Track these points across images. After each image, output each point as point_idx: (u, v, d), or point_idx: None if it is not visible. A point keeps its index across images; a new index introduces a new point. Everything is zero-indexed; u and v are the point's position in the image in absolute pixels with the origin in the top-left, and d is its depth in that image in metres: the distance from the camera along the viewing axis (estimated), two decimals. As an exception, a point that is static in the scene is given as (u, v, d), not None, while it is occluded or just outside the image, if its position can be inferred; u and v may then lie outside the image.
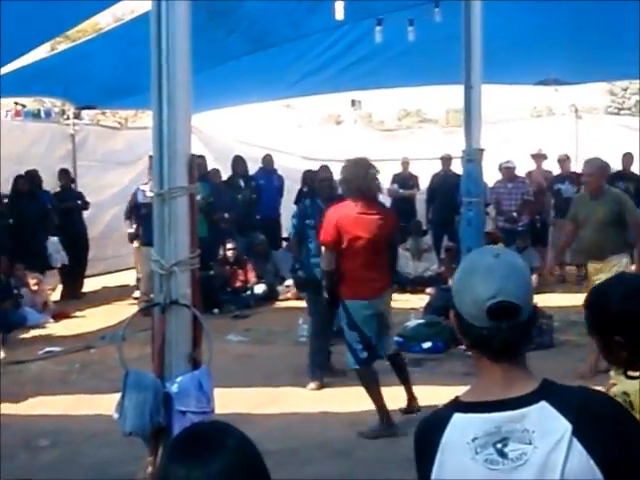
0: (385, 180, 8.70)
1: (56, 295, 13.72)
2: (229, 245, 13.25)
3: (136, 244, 13.42)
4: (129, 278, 14.65)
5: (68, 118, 15.54)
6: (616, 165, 12.71)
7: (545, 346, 9.15)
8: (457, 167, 13.03)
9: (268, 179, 15.03)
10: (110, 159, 16.18)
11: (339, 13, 9.25)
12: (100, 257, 15.53)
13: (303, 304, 9.38)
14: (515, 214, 13.58)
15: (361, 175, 7.02)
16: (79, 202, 14.18)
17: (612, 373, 5.32)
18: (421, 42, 10.20)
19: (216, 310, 12.00)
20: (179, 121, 3.63)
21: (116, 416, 3.60)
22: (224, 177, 14.52)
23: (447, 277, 12.24)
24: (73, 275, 14.07)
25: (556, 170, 14.77)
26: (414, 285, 13.29)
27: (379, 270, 7.00)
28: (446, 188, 14.15)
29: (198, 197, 3.84)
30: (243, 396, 7.78)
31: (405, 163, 16.16)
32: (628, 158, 13.82)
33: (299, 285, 9.63)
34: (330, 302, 7.35)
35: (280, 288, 13.52)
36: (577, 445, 1.94)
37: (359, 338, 6.91)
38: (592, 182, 8.34)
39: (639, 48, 10.52)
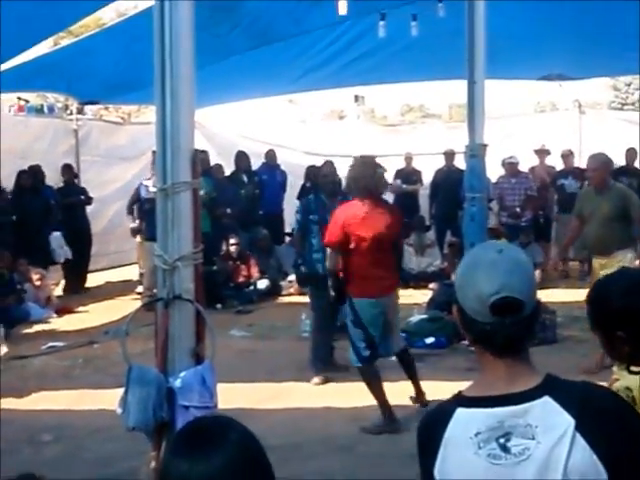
0: (388, 175, 8.70)
1: (59, 290, 13.73)
2: (232, 240, 13.26)
3: (139, 239, 13.42)
4: (132, 273, 14.67)
5: (71, 113, 15.56)
6: (619, 160, 12.69)
7: (548, 342, 9.16)
8: (460, 162, 13.03)
9: (271, 174, 15.03)
10: (113, 154, 16.18)
11: (342, 8, 9.24)
12: (103, 252, 15.55)
13: (306, 299, 9.39)
14: (518, 209, 13.56)
15: (369, 174, 7.06)
16: (82, 197, 14.19)
17: (615, 368, 5.33)
18: (424, 37, 10.17)
19: (219, 305, 12.02)
20: (182, 116, 3.63)
21: (119, 411, 3.60)
22: (227, 172, 14.53)
23: (450, 272, 12.23)
24: (76, 270, 14.08)
25: (559, 165, 14.75)
26: (417, 280, 13.29)
27: (387, 269, 7.03)
28: (449, 183, 14.14)
29: (201, 192, 3.84)
30: (246, 391, 7.79)
31: (408, 158, 16.15)
32: (631, 153, 13.80)
33: (301, 280, 9.64)
34: (336, 300, 7.36)
35: (283, 283, 13.53)
36: (580, 440, 1.94)
37: (363, 336, 6.92)
38: (596, 177, 8.34)
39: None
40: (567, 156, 14.47)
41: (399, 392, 7.24)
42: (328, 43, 11.88)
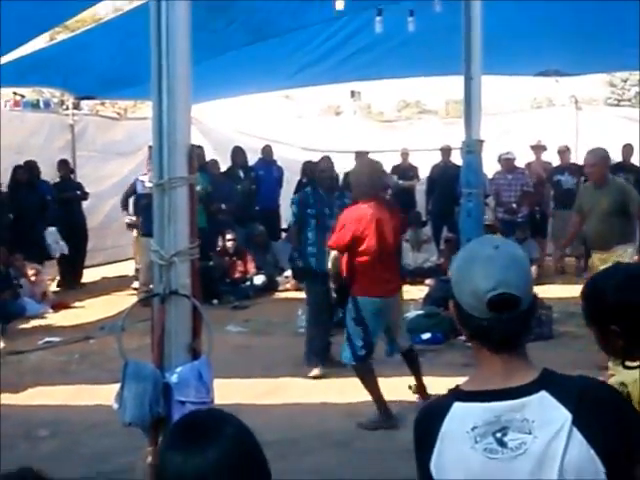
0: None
1: (54, 285, 13.72)
2: (228, 236, 13.26)
3: (135, 234, 13.40)
4: (128, 269, 14.65)
5: (67, 108, 15.53)
6: (616, 156, 12.71)
7: (544, 337, 9.17)
8: (457, 158, 13.04)
9: (267, 170, 15.02)
10: (109, 149, 16.17)
11: (339, 4, 9.24)
12: (99, 247, 15.54)
13: (302, 295, 9.40)
14: (514, 205, 13.57)
15: (372, 178, 7.08)
16: (78, 193, 14.18)
17: (611, 364, 5.34)
18: (421, 33, 10.17)
19: (215, 301, 12.01)
20: (179, 111, 3.62)
21: (116, 406, 3.60)
22: (223, 168, 14.52)
23: (446, 268, 12.23)
24: (72, 265, 14.07)
25: (556, 161, 14.76)
26: (413, 276, 13.27)
27: (391, 271, 7.10)
28: (446, 179, 14.16)
29: (197, 188, 3.84)
30: (242, 387, 7.80)
31: (405, 154, 16.16)
32: (628, 149, 13.83)
33: (297, 274, 9.63)
34: (338, 302, 7.38)
35: (279, 279, 13.53)
36: (577, 435, 1.95)
37: (362, 335, 6.93)
38: (595, 172, 8.36)
39: (639, 39, 10.51)
40: (563, 152, 14.48)
41: (394, 388, 7.26)
42: (325, 38, 11.87)
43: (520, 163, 14.33)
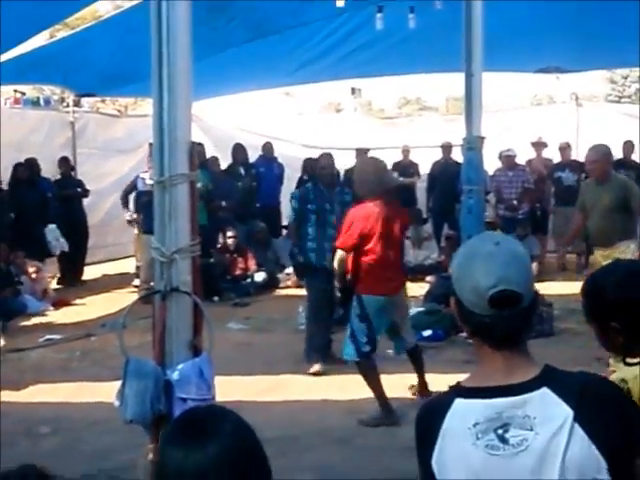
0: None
1: (53, 283, 13.71)
2: (229, 233, 13.26)
3: (136, 231, 13.39)
4: (129, 266, 14.65)
5: (68, 106, 15.52)
6: (617, 153, 12.70)
7: (545, 334, 9.17)
8: (457, 155, 13.03)
9: (268, 167, 15.01)
10: (110, 147, 16.18)
11: (340, 0, 9.23)
12: (100, 245, 15.54)
13: (303, 292, 9.39)
14: (515, 202, 13.56)
15: (378, 176, 7.10)
16: (79, 190, 14.18)
17: (611, 361, 5.34)
18: (422, 30, 10.16)
19: (216, 298, 12.01)
20: (179, 109, 3.62)
21: (117, 404, 3.61)
22: (224, 165, 14.51)
23: (447, 265, 12.22)
24: (72, 263, 14.07)
25: (557, 158, 14.75)
26: (414, 273, 13.26)
27: (396, 269, 7.16)
28: (446, 176, 14.16)
29: (198, 185, 3.84)
30: (243, 384, 7.80)
31: (405, 151, 16.14)
32: (629, 146, 13.82)
33: (297, 270, 9.60)
34: (342, 300, 7.40)
35: (280, 276, 13.53)
36: (579, 431, 1.95)
37: (366, 331, 6.94)
38: (597, 169, 8.37)
39: (640, 36, 10.51)
40: (564, 149, 14.47)
41: (396, 384, 7.26)
42: (325, 35, 11.86)
43: (521, 160, 14.32)
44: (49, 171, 13.94)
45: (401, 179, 15.49)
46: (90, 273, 14.68)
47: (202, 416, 1.99)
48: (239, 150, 14.49)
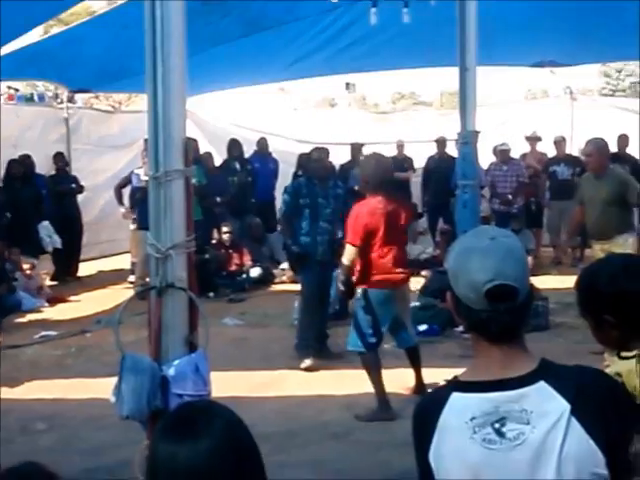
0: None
1: (49, 279, 13.70)
2: (225, 229, 13.26)
3: (132, 227, 13.35)
4: (124, 262, 14.64)
5: (62, 102, 15.48)
6: (611, 147, 12.71)
7: (541, 328, 9.17)
8: (452, 150, 13.04)
9: (263, 162, 15.00)
10: (104, 143, 16.15)
11: (334, -4, 9.23)
12: (95, 241, 15.52)
13: (298, 287, 9.38)
14: (510, 196, 13.57)
15: (381, 172, 7.16)
16: (74, 186, 14.15)
17: (606, 355, 5.35)
18: (416, 24, 10.14)
19: (211, 294, 12.00)
20: (174, 104, 3.62)
21: (113, 400, 3.60)
22: (218, 161, 14.50)
23: (442, 260, 12.23)
24: (67, 259, 14.05)
25: (551, 152, 14.75)
26: (409, 268, 13.27)
27: (401, 262, 7.19)
28: (441, 171, 14.17)
29: (192, 180, 3.83)
30: (239, 379, 7.80)
31: (400, 146, 16.14)
32: (623, 140, 13.84)
33: (292, 261, 9.54)
34: (346, 294, 7.42)
35: (275, 271, 13.53)
36: (576, 425, 1.95)
37: (372, 323, 6.99)
38: (592, 162, 8.40)
39: (635, 30, 10.50)
40: (559, 142, 14.46)
41: (392, 379, 7.26)
42: (319, 30, 11.86)
43: (515, 154, 14.33)
44: (43, 167, 13.92)
45: (396, 174, 15.55)
46: (85, 269, 14.66)
47: (194, 412, 2.00)
48: (235, 145, 14.47)
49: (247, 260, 13.29)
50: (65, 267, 14.08)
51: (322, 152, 9.41)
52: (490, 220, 12.90)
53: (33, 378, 8.37)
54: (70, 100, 15.48)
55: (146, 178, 3.73)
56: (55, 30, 14.87)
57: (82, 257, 14.66)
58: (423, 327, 9.38)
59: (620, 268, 2.76)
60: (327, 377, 8.14)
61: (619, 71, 36.63)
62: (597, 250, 8.25)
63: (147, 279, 4.47)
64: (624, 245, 7.85)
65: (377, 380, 7.01)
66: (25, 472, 2.04)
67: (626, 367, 2.72)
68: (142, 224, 10.97)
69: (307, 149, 13.42)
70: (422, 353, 7.55)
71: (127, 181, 13.34)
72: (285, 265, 12.72)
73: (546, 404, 1.98)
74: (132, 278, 13.07)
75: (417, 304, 9.97)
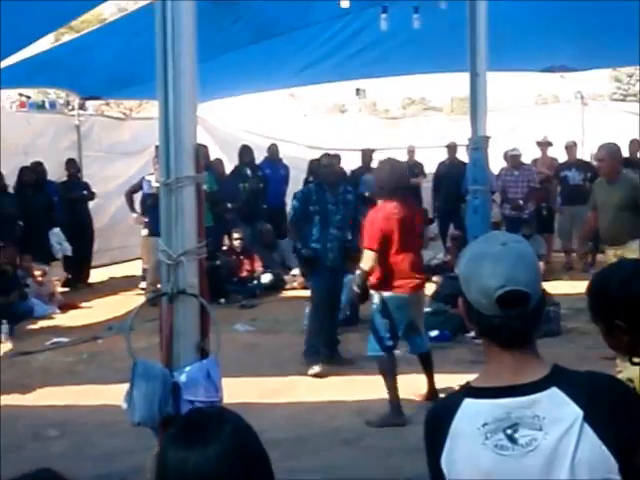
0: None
1: (61, 286, 13.73)
2: (236, 235, 13.27)
3: (144, 233, 13.34)
4: (135, 269, 14.65)
5: (73, 109, 15.52)
6: (623, 152, 12.67)
7: (552, 334, 9.15)
8: (463, 155, 13.02)
9: (274, 168, 15.02)
10: (115, 150, 16.18)
11: (345, 1, 9.24)
12: (106, 248, 15.55)
13: (309, 293, 9.38)
14: (521, 202, 13.55)
15: (396, 177, 7.20)
16: (85, 193, 14.18)
17: (618, 361, 5.33)
18: (426, 30, 10.16)
19: (223, 300, 12.00)
20: (185, 111, 3.62)
21: (125, 406, 3.60)
22: (229, 167, 14.52)
23: (453, 265, 12.24)
24: (79, 266, 14.09)
25: (562, 157, 14.73)
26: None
27: (417, 267, 7.23)
28: (452, 176, 14.16)
29: (204, 187, 3.83)
30: (251, 385, 7.80)
31: (411, 151, 16.14)
32: (635, 145, 13.80)
33: (303, 263, 9.49)
34: (360, 297, 7.43)
35: (286, 277, 13.52)
36: (589, 431, 1.94)
37: (389, 326, 7.02)
38: (604, 167, 8.39)
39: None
40: (571, 147, 14.43)
41: (407, 385, 7.25)
42: (330, 36, 11.88)
43: (527, 159, 14.31)
44: (55, 174, 13.96)
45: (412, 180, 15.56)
46: (96, 276, 14.69)
47: (203, 418, 2.00)
48: (246, 151, 14.48)
49: (258, 266, 13.29)
50: (76, 274, 14.11)
51: (332, 158, 9.42)
52: (501, 225, 12.89)
53: (45, 384, 8.38)
54: (81, 107, 15.52)
55: (157, 185, 3.73)
56: (66, 38, 14.91)
57: (93, 264, 14.70)
58: (434, 333, 9.36)
59: (632, 273, 2.76)
60: (338, 383, 8.13)
61: (630, 76, 36.54)
62: (610, 255, 8.22)
63: (158, 285, 4.48)
64: (637, 250, 7.83)
65: (392, 385, 7.02)
66: (40, 479, 2.05)
67: (638, 373, 2.71)
68: (153, 231, 10.99)
69: (318, 155, 13.47)
70: (433, 359, 7.54)
71: (138, 187, 13.37)
72: (296, 271, 12.72)
73: (558, 410, 1.98)
74: (143, 284, 13.09)
75: (428, 310, 9.94)
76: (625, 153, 12.95)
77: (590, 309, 2.78)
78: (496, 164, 12.76)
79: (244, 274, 13.18)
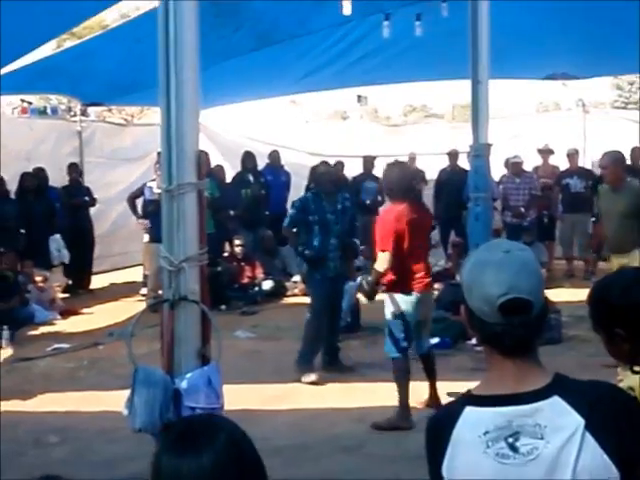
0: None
1: (61, 292, 13.73)
2: (237, 241, 13.27)
3: (145, 240, 13.32)
4: (136, 275, 14.65)
5: (75, 115, 15.55)
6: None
7: (554, 341, 9.14)
8: (464, 162, 13.03)
9: (275, 175, 15.03)
10: (117, 156, 16.20)
11: (347, 8, 9.25)
12: (107, 254, 15.55)
13: (309, 300, 9.37)
14: (523, 209, 13.56)
15: (405, 179, 7.31)
16: (86, 198, 14.19)
17: (620, 369, 5.33)
18: (428, 37, 10.17)
19: (223, 306, 11.99)
20: (187, 117, 3.63)
21: (126, 412, 3.60)
22: (231, 173, 14.53)
23: (454, 272, 12.24)
24: (79, 272, 14.09)
25: (564, 165, 14.73)
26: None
27: (426, 267, 7.32)
28: (453, 183, 14.17)
29: (206, 193, 3.84)
30: (251, 392, 7.79)
31: (412, 159, 16.15)
32: (636, 152, 13.80)
33: (311, 261, 9.38)
34: (369, 295, 7.48)
35: (287, 284, 13.51)
36: (590, 440, 1.94)
37: (402, 327, 7.06)
38: (608, 175, 8.39)
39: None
40: (572, 155, 14.44)
41: (410, 393, 7.23)
42: (332, 43, 11.89)
43: (528, 167, 14.32)
44: (57, 180, 13.97)
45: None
46: (97, 282, 14.69)
47: (198, 425, 2.00)
48: (249, 158, 14.50)
49: (259, 273, 13.30)
50: (77, 280, 14.11)
51: (330, 166, 9.40)
52: (502, 233, 12.89)
53: (45, 390, 8.37)
54: (83, 113, 15.56)
55: (159, 191, 3.74)
56: (68, 44, 14.94)
57: (94, 269, 14.70)
58: (435, 340, 9.34)
59: (633, 281, 2.76)
60: (339, 390, 8.12)
61: (631, 83, 36.56)
62: (615, 264, 8.20)
63: (159, 292, 4.48)
64: None
65: (403, 387, 7.04)
66: None
67: (639, 381, 2.71)
68: (155, 237, 10.98)
69: (319, 162, 13.48)
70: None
71: (140, 193, 13.37)
72: (297, 278, 12.71)
73: (560, 419, 1.97)
74: (144, 291, 13.08)
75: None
76: (627, 161, 13.00)
77: (591, 317, 2.78)
78: (497, 171, 12.76)
79: (245, 281, 13.18)
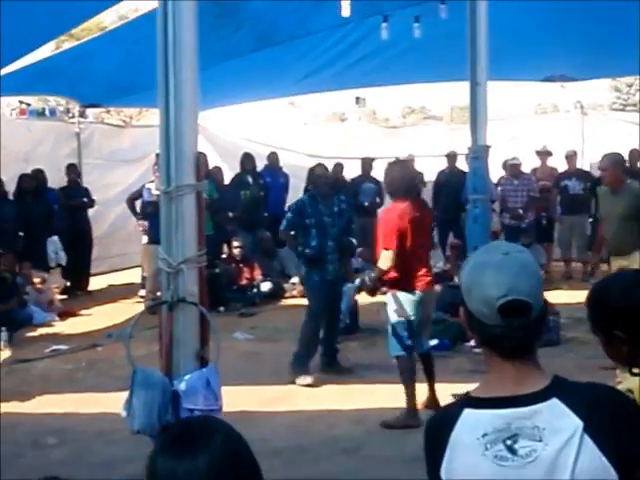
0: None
1: (60, 293, 13.73)
2: (235, 243, 13.26)
3: (144, 241, 13.33)
4: (135, 276, 14.65)
5: (73, 116, 15.55)
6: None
7: (552, 343, 9.14)
8: (462, 164, 13.04)
9: (274, 177, 15.03)
10: (115, 157, 16.19)
11: (345, 10, 9.25)
12: (105, 255, 15.54)
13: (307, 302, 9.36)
14: (521, 211, 13.57)
15: (407, 176, 7.35)
16: (85, 200, 14.18)
17: (618, 372, 5.34)
18: (427, 39, 10.18)
19: (222, 308, 11.98)
20: (185, 119, 3.62)
21: (124, 414, 3.59)
22: (229, 175, 14.52)
23: (453, 274, 12.24)
24: (78, 273, 14.08)
25: (562, 167, 14.74)
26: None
27: (426, 266, 7.35)
28: (451, 185, 14.17)
29: (204, 195, 3.83)
30: (250, 394, 7.79)
31: (410, 160, 16.13)
32: (635, 154, 13.81)
33: (310, 260, 9.34)
34: (370, 291, 7.49)
35: (286, 286, 13.51)
36: (589, 442, 1.94)
37: (406, 325, 7.07)
38: (607, 177, 8.38)
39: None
40: (571, 157, 14.44)
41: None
42: (331, 45, 11.90)
43: (526, 169, 14.33)
44: (55, 182, 13.96)
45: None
46: (96, 283, 14.68)
47: (193, 427, 2.00)
48: (248, 159, 14.49)
49: (258, 274, 13.29)
50: (76, 281, 14.11)
51: (326, 168, 9.38)
52: (500, 234, 12.89)
53: (44, 392, 8.37)
54: (81, 115, 15.55)
55: (157, 192, 3.73)
56: (67, 45, 14.95)
57: (93, 271, 14.69)
58: (433, 342, 9.34)
59: (632, 283, 2.76)
60: (337, 392, 8.12)
61: (630, 86, 36.58)
62: (615, 266, 8.20)
63: (158, 293, 4.48)
64: None
65: (410, 385, 7.05)
66: None
67: (638, 383, 2.71)
68: (153, 238, 10.98)
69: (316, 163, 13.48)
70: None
71: (138, 194, 13.37)
72: (296, 279, 12.70)
73: (559, 421, 1.97)
74: (143, 292, 13.08)
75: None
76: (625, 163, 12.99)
77: (590, 319, 2.78)
78: (496, 173, 12.77)
79: (244, 282, 13.17)
